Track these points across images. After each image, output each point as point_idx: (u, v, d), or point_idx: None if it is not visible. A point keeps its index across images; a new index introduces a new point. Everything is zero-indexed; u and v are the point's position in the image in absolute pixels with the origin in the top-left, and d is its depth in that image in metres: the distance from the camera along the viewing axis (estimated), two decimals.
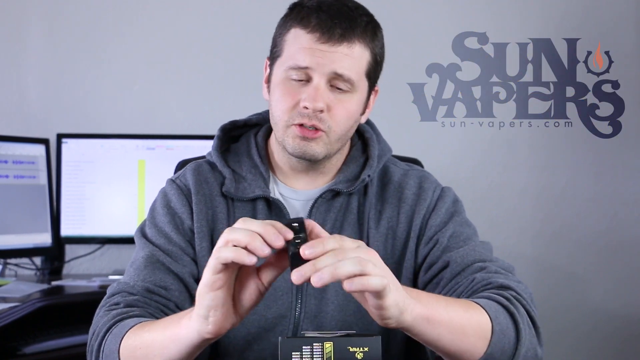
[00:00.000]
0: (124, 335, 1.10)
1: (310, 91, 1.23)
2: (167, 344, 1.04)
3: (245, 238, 0.93)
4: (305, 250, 0.93)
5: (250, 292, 0.99)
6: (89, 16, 2.66)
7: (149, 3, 2.68)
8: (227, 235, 0.95)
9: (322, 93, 1.23)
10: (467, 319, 1.05)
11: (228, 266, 0.95)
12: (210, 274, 0.96)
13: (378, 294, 0.94)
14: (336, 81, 1.24)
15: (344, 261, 0.92)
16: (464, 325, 1.04)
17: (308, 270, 0.92)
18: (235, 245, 0.94)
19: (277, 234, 0.94)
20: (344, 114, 1.26)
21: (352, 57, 1.24)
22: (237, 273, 0.99)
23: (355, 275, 0.92)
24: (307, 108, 1.23)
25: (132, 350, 1.08)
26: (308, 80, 1.24)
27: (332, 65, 1.23)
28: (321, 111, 1.24)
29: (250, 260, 0.93)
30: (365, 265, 0.92)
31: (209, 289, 0.96)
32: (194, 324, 0.99)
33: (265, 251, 0.93)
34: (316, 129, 1.25)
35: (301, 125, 1.25)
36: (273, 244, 0.93)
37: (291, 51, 1.25)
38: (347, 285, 0.92)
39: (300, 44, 1.23)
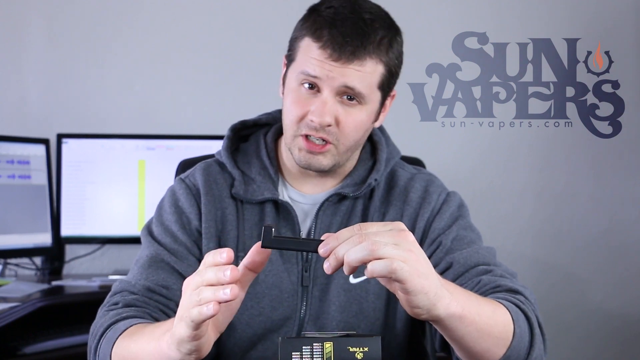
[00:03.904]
0: (115, 341, 1.10)
1: (318, 105, 1.23)
2: None
3: (213, 279, 0.90)
4: (320, 249, 0.92)
5: (230, 309, 0.98)
6: (89, 16, 2.66)
7: (149, 3, 2.68)
8: (195, 297, 0.90)
9: (329, 107, 1.23)
10: (495, 321, 1.04)
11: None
12: (191, 330, 0.91)
13: (397, 279, 0.90)
14: (346, 94, 1.23)
15: (355, 247, 0.89)
16: (492, 326, 1.03)
17: (332, 261, 0.90)
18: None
19: (221, 265, 0.90)
20: (352, 126, 1.25)
21: (364, 73, 1.22)
22: None
23: (367, 261, 0.89)
24: (314, 121, 1.23)
25: (121, 359, 1.09)
26: (319, 90, 1.23)
27: (342, 79, 1.21)
28: (329, 125, 1.23)
29: (225, 294, 0.89)
30: (377, 249, 0.89)
31: (191, 339, 0.93)
32: (177, 354, 0.96)
33: (230, 274, 0.90)
34: (325, 142, 1.25)
35: (308, 136, 1.25)
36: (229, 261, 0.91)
37: (303, 60, 1.24)
38: (366, 273, 0.90)
39: (312, 55, 1.22)
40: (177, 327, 0.94)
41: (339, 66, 1.21)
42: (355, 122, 1.26)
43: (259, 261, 0.95)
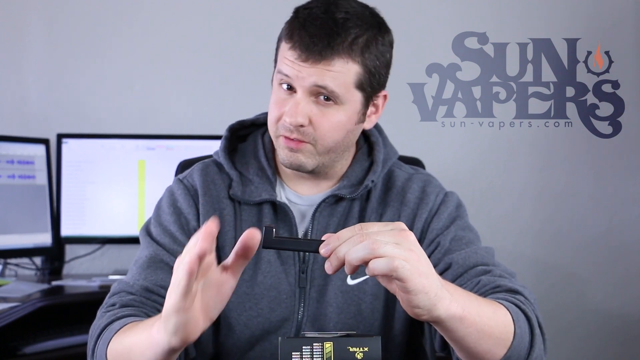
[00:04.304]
0: (111, 340, 1.10)
1: (291, 105, 1.24)
2: (143, 351, 1.01)
3: (192, 244, 0.89)
4: (321, 250, 0.93)
5: (220, 295, 0.95)
6: (89, 16, 2.66)
7: (149, 3, 2.68)
8: (178, 267, 0.90)
9: (302, 107, 1.23)
10: (495, 321, 1.04)
11: (191, 285, 0.90)
12: (179, 297, 0.89)
13: (398, 278, 0.91)
14: (320, 94, 1.24)
15: (356, 246, 0.90)
16: (492, 327, 1.03)
17: (334, 260, 0.92)
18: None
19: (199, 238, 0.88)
20: (328, 126, 1.25)
21: (335, 72, 1.22)
22: (200, 284, 0.93)
23: (368, 260, 0.90)
24: (286, 121, 1.24)
25: (116, 356, 1.08)
26: (295, 91, 1.25)
27: (311, 79, 1.22)
28: (302, 125, 1.24)
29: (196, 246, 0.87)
30: (377, 248, 0.90)
31: (179, 309, 0.90)
32: (164, 336, 0.95)
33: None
34: (300, 141, 1.26)
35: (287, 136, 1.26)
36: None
37: (280, 61, 1.26)
38: (367, 271, 0.91)
39: (285, 56, 1.24)
40: (167, 300, 0.92)
41: (307, 66, 1.22)
42: (331, 122, 1.25)
43: (249, 246, 0.93)
